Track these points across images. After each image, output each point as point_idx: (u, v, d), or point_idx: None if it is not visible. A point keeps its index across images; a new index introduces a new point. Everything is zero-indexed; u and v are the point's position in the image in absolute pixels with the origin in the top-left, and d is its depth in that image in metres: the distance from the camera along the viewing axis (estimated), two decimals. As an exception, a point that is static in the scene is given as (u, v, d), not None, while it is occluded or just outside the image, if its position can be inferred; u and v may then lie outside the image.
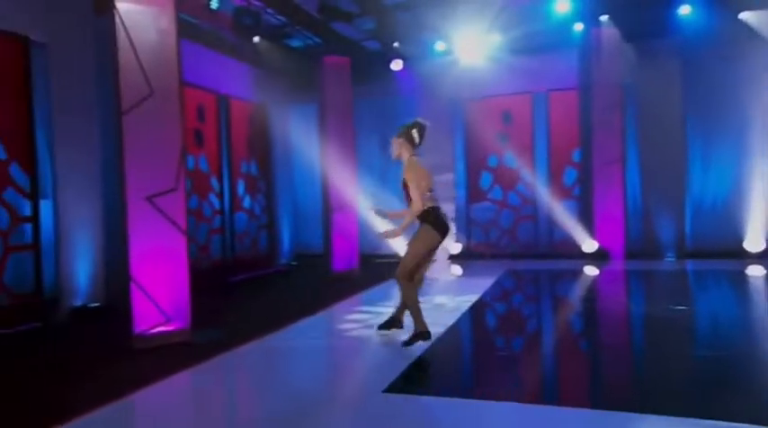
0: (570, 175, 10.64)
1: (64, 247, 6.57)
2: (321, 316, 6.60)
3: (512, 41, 9.84)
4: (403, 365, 4.41)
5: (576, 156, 10.55)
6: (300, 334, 5.78)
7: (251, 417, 3.66)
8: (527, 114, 10.77)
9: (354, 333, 5.78)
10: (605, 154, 9.84)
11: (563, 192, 10.63)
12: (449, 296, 7.39)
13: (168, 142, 5.61)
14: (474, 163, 11.00)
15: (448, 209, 10.63)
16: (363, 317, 6.34)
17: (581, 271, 9.10)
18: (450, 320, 5.95)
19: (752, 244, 9.51)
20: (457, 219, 10.89)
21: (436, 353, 4.78)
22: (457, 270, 10.00)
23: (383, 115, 10.71)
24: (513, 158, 10.85)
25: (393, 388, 3.89)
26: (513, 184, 10.86)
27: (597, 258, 9.87)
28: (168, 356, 5.00)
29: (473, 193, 11.04)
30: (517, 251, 10.78)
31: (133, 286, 5.46)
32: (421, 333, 4.75)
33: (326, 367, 4.82)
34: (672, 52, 9.49)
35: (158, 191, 5.52)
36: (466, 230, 11.00)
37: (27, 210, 6.21)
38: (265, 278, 9.57)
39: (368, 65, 10.33)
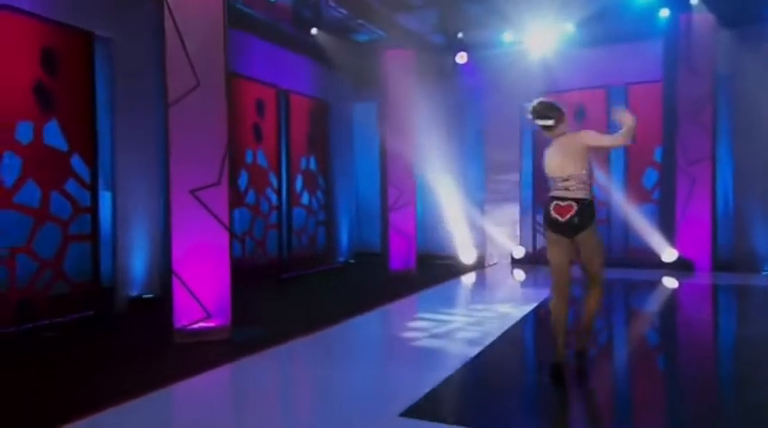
0: (650, 177, 9.87)
1: (121, 238, 6.73)
2: (366, 318, 6.41)
3: (586, 31, 9.23)
4: (434, 381, 4.06)
5: (657, 155, 9.77)
6: (339, 339, 5.60)
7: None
8: (601, 110, 10.07)
9: (400, 337, 5.55)
10: (692, 152, 9.01)
11: (642, 195, 9.88)
12: (500, 304, 6.98)
13: (214, 135, 5.58)
14: (542, 162, 10.42)
15: (512, 210, 10.21)
16: (418, 324, 6.08)
17: (659, 283, 8.38)
18: (495, 332, 5.53)
19: None
20: (521, 222, 10.38)
21: (476, 370, 4.42)
22: (520, 275, 9.53)
23: (447, 110, 10.37)
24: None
25: (413, 412, 3.50)
26: (586, 185, 10.19)
27: (679, 269, 9.06)
28: (203, 352, 4.97)
29: (540, 194, 10.48)
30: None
31: (175, 280, 5.48)
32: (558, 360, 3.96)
33: (352, 376, 4.48)
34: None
35: (201, 185, 5.50)
36: (532, 233, 10.47)
37: (87, 201, 6.39)
38: (321, 275, 9.50)
39: (433, 59, 10.03)
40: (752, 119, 8.84)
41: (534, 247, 10.49)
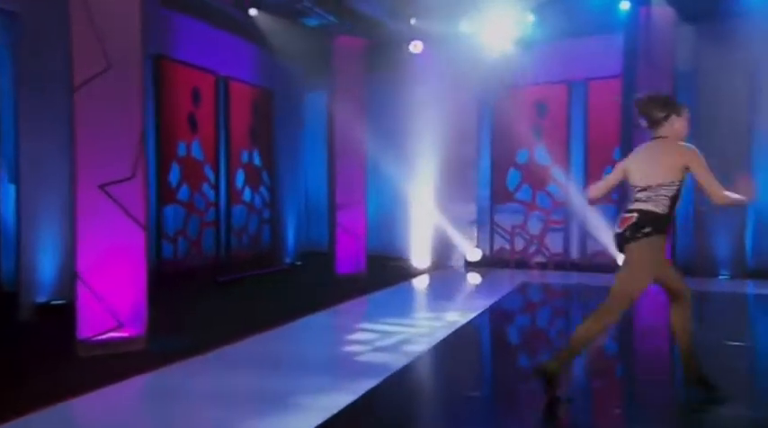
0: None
1: (26, 237, 6.06)
2: (303, 324, 5.93)
3: (546, 23, 8.88)
4: (354, 395, 3.69)
5: (617, 154, 9.50)
6: (268, 348, 5.15)
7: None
8: (563, 106, 9.77)
9: (331, 345, 5.09)
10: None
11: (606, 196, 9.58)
12: (439, 313, 6.56)
13: (127, 124, 5.00)
14: (500, 159, 10.07)
15: (469, 210, 9.82)
16: (357, 333, 5.60)
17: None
18: (420, 347, 5.03)
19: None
20: (478, 223, 10.00)
21: (392, 390, 3.96)
22: (475, 279, 9.16)
23: (401, 103, 9.93)
24: (545, 155, 9.88)
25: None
26: (544, 184, 9.89)
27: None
28: (110, 365, 4.46)
29: (498, 193, 10.12)
30: (545, 260, 9.82)
31: (80, 286, 4.88)
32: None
33: (269, 389, 4.00)
34: (739, 36, 8.29)
35: (113, 179, 4.92)
36: (489, 235, 10.09)
37: (-13, 196, 5.71)
38: (263, 278, 8.95)
39: (386, 48, 9.54)
40: (712, 118, 8.62)
41: (491, 249, 10.12)
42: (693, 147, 3.41)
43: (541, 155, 9.87)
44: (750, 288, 8.07)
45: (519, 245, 10.03)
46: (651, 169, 3.38)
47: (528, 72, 9.61)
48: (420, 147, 10.19)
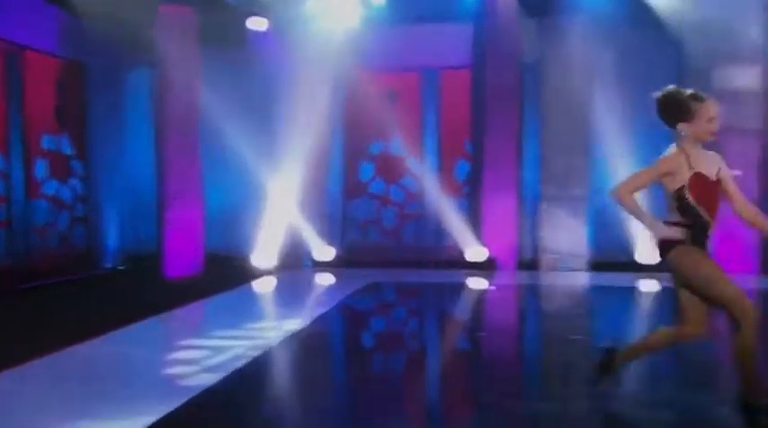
0: (463, 169, 9.38)
1: None
2: (110, 339, 4.90)
3: (397, 6, 8.41)
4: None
5: (469, 146, 9.31)
6: (55, 371, 4.21)
7: None
8: (415, 95, 9.39)
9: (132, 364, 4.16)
10: (499, 144, 8.57)
11: (454, 188, 9.35)
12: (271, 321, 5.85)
13: None
14: (352, 150, 9.49)
15: (319, 204, 9.12)
16: (170, 350, 4.64)
17: (461, 286, 7.83)
18: (225, 368, 4.18)
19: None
20: (330, 218, 9.32)
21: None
22: (324, 279, 8.52)
23: (244, 86, 9.02)
24: (399, 145, 9.44)
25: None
26: (398, 177, 9.46)
27: (485, 268, 8.59)
28: None
29: (351, 187, 9.54)
30: (401, 256, 9.39)
31: None
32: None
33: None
34: (577, 30, 8.33)
35: None
36: (341, 231, 9.47)
37: None
38: (76, 285, 7.65)
39: (226, 22, 8.53)
40: (555, 110, 8.62)
41: (343, 246, 9.47)
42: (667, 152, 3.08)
43: (395, 146, 9.42)
44: (590, 279, 8.18)
45: (373, 240, 9.53)
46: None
47: (380, 58, 9.10)
48: (266, 134, 9.32)
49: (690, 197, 2.96)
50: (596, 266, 8.51)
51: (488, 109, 8.45)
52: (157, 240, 8.18)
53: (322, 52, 8.71)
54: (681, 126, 3.01)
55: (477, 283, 8.02)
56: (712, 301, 2.98)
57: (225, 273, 8.31)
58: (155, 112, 8.32)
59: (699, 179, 2.96)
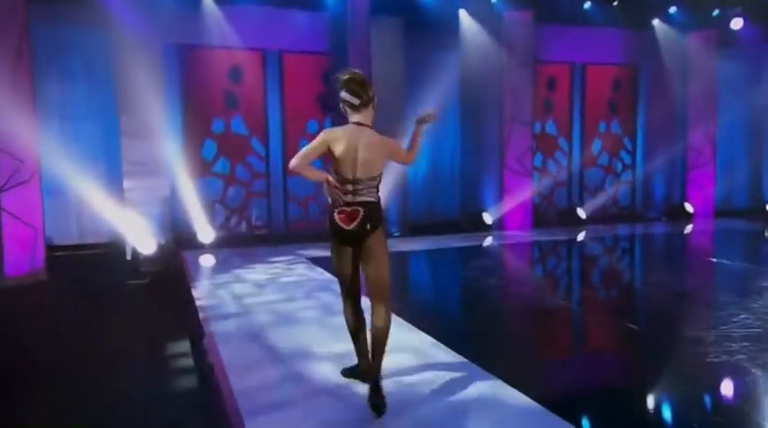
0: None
1: None
2: None
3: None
4: None
5: (313, 126, 10.22)
6: None
7: None
8: (259, 74, 9.92)
9: None
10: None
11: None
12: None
13: None
14: (194, 128, 9.61)
15: (158, 185, 9.04)
16: None
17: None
18: None
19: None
20: (172, 200, 9.29)
21: None
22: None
23: (70, 49, 8.51)
24: (242, 124, 9.89)
25: None
26: (244, 155, 9.93)
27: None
28: None
29: (194, 166, 9.64)
30: (248, 234, 9.95)
31: None
32: (362, 372, 3.76)
33: None
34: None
35: None
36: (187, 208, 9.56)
37: None
38: None
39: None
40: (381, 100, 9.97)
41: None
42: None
43: (239, 124, 9.86)
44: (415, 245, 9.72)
45: (218, 219, 9.85)
46: (376, 160, 3.42)
47: (221, 33, 9.40)
48: (101, 105, 8.94)
49: None
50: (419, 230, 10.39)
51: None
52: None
53: (160, 21, 8.66)
54: (374, 103, 3.51)
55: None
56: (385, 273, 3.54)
57: (79, 267, 7.88)
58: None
59: None
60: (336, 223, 3.40)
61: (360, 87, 3.42)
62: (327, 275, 7.06)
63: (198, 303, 6.09)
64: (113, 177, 8.98)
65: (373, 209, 3.41)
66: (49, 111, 8.54)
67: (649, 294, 6.77)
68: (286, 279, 7.18)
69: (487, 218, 10.89)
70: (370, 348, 3.58)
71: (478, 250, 9.58)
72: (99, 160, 9.01)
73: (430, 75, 10.81)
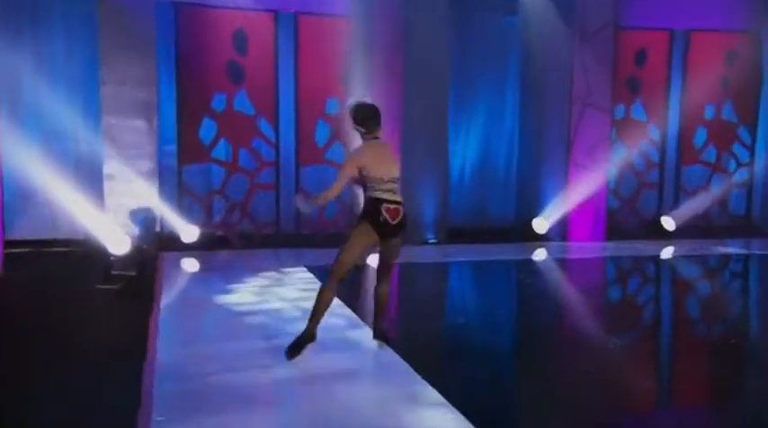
0: (323, 131, 8.71)
1: None
2: None
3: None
4: None
5: (332, 106, 8.63)
6: None
7: None
8: (269, 39, 8.41)
9: None
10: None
11: (314, 154, 8.66)
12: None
13: None
14: (190, 103, 8.26)
15: (143, 170, 7.83)
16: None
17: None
18: None
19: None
20: (163, 186, 8.04)
21: None
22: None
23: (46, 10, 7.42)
24: (249, 102, 8.45)
25: None
26: (249, 139, 8.48)
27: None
28: None
29: (188, 150, 8.33)
30: (251, 231, 8.52)
31: None
32: (311, 334, 4.12)
33: None
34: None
35: None
36: (176, 201, 8.26)
37: None
38: None
39: None
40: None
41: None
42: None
43: (244, 101, 8.40)
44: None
45: (216, 215, 8.49)
46: (393, 165, 4.13)
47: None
48: (82, 76, 7.81)
49: None
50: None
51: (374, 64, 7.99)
52: None
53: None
54: (378, 125, 4.20)
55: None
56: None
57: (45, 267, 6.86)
58: None
59: None
60: (384, 216, 3.97)
61: (365, 120, 4.10)
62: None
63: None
64: (92, 162, 7.81)
65: (404, 210, 4.09)
66: (15, 79, 7.51)
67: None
68: (270, 306, 5.60)
69: (540, 225, 8.86)
70: (375, 310, 4.31)
71: (528, 265, 7.76)
72: (75, 141, 7.85)
73: (481, 45, 9.11)
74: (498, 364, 4.32)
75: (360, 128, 4.08)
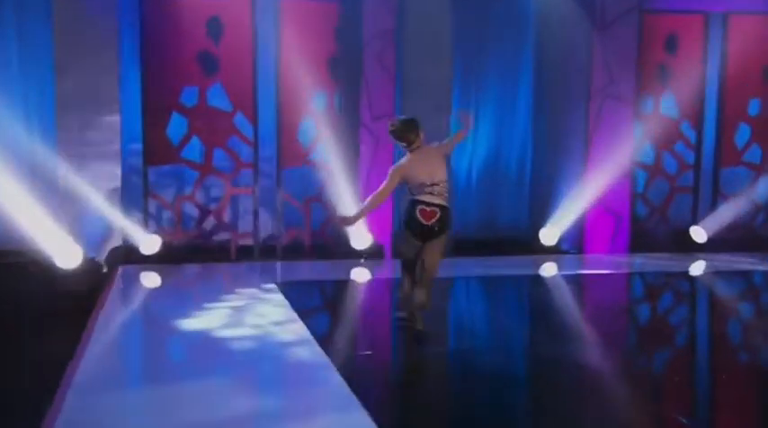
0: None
1: None
2: None
3: None
4: None
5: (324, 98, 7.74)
6: None
7: None
8: (246, 27, 7.54)
9: None
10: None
11: (297, 155, 7.79)
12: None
13: None
14: (157, 100, 7.42)
15: (103, 173, 7.05)
16: None
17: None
18: None
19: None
20: (126, 190, 7.24)
21: None
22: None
23: None
24: (223, 95, 7.60)
25: None
26: (224, 138, 7.61)
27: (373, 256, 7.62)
28: None
29: (155, 149, 7.51)
30: (224, 241, 7.66)
31: None
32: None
33: None
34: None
35: None
36: (141, 207, 7.43)
37: None
38: None
39: None
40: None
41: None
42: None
43: (219, 95, 7.52)
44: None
45: (186, 224, 7.65)
46: (435, 169, 4.50)
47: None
48: (34, 66, 7.08)
49: None
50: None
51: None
52: None
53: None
54: (419, 137, 4.61)
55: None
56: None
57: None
58: None
59: None
60: (417, 218, 4.42)
61: (402, 136, 4.54)
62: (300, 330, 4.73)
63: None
64: (44, 163, 7.00)
65: (445, 213, 4.48)
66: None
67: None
68: (231, 332, 4.75)
69: (550, 235, 7.86)
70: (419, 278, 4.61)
71: (534, 282, 6.84)
72: (27, 140, 7.04)
73: (489, 27, 8.10)
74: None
75: (401, 143, 4.55)
